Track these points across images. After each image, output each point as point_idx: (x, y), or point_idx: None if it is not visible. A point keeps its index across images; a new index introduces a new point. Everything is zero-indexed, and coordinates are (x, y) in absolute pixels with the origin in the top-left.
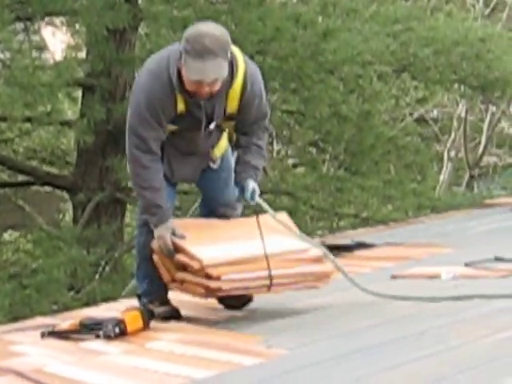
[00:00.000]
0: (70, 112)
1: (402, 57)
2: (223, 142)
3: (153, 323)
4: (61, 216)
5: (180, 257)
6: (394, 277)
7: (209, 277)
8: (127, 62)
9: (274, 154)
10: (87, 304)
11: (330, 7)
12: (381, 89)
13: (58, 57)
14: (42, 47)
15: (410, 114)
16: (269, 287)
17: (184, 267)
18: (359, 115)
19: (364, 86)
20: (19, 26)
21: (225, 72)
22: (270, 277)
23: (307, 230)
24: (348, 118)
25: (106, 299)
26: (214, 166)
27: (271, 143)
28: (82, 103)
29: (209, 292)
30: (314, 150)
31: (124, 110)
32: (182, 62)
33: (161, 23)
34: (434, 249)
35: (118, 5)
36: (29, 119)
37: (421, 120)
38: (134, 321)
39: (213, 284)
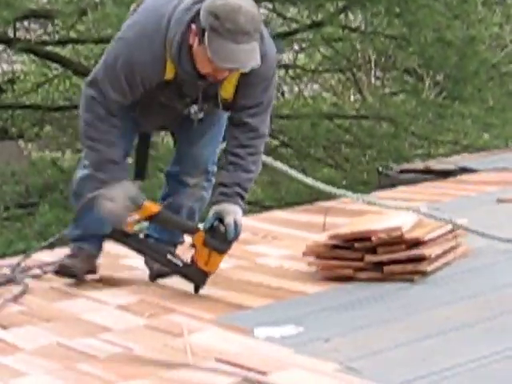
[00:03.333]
0: None
1: None
2: None
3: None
4: None
5: (375, 234)
6: (499, 200)
7: (411, 244)
8: None
9: (373, 80)
10: None
11: None
12: (485, 15)
13: None
14: None
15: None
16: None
17: (368, 250)
18: (463, 41)
19: (469, 11)
20: None
21: (259, 59)
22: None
23: (406, 156)
24: (452, 44)
25: None
26: (199, 115)
27: (370, 70)
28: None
29: (419, 263)
30: (411, 78)
31: None
32: (206, 41)
33: None
34: None
35: None
36: None
37: None
38: None
39: (422, 251)
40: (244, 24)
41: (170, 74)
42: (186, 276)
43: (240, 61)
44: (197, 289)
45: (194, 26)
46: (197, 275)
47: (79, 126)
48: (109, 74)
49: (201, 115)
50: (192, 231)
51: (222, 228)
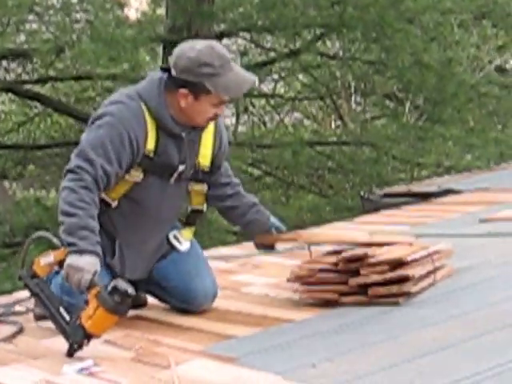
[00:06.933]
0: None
1: (481, 3)
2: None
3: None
4: None
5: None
6: (482, 220)
7: (394, 265)
8: (207, 16)
9: (353, 106)
10: None
11: None
12: (461, 36)
13: (132, 14)
14: (122, 4)
15: (490, 62)
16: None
17: (352, 272)
18: (441, 63)
19: (445, 33)
20: None
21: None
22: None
23: (389, 180)
24: (429, 66)
25: None
26: (182, 248)
27: (350, 95)
28: (162, 59)
29: (404, 284)
30: (391, 102)
31: None
32: (211, 88)
33: None
34: None
35: None
36: (113, 76)
37: (499, 70)
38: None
39: (406, 272)
40: (224, 54)
41: (151, 142)
42: (64, 332)
43: (247, 79)
44: (69, 350)
45: (182, 90)
46: (75, 331)
47: (59, 199)
48: (93, 143)
49: (182, 168)
50: (91, 286)
51: (122, 287)
